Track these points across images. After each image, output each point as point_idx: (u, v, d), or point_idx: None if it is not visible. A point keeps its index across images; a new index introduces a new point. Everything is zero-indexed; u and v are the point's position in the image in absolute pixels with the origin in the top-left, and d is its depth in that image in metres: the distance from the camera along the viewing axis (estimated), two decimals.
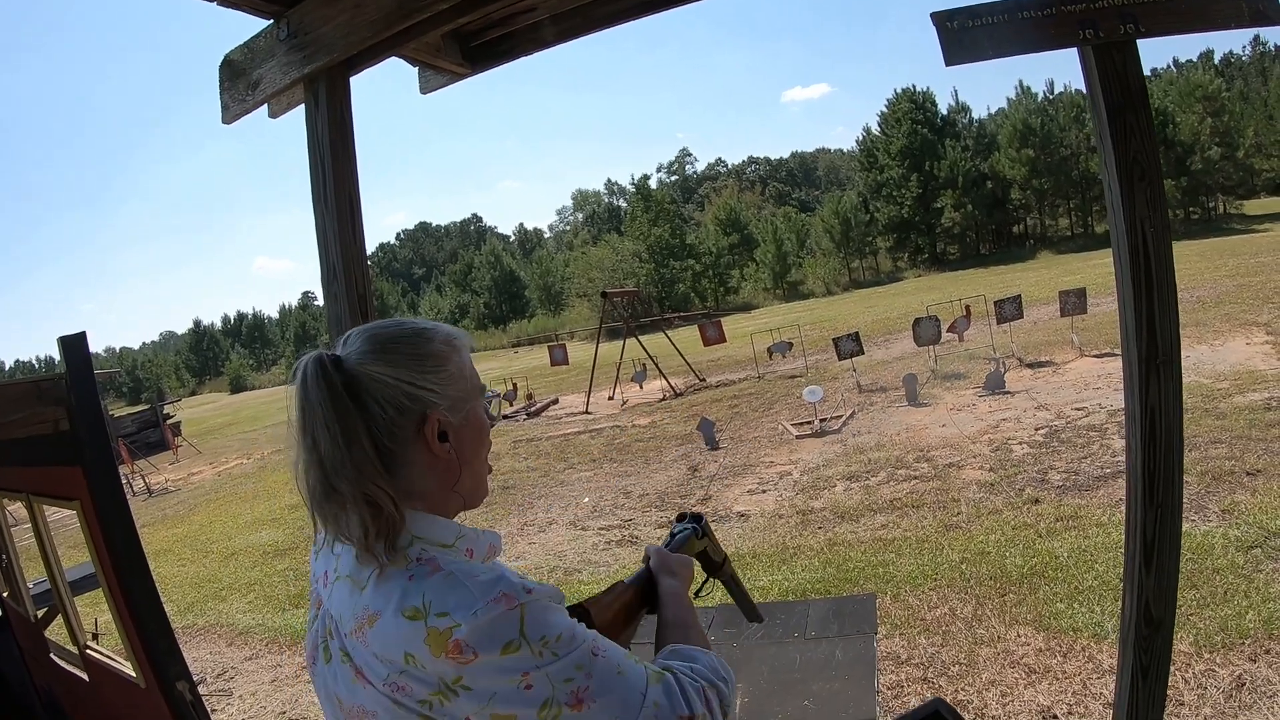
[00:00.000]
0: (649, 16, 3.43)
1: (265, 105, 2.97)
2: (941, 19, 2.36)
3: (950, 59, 2.36)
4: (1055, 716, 4.24)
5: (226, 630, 8.27)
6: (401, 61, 3.28)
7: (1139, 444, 2.40)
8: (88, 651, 3.68)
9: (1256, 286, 19.07)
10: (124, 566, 2.91)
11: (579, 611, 1.39)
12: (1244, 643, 4.59)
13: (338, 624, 1.31)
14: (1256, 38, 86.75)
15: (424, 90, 3.60)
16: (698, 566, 1.80)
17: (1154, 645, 2.47)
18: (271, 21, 2.77)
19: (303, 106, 2.82)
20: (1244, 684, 4.22)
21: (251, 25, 2.83)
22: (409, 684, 1.19)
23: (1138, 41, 2.36)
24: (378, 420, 1.29)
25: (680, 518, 1.87)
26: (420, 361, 1.34)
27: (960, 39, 2.36)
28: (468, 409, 1.40)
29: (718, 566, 1.91)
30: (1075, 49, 2.39)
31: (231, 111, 2.96)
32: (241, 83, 2.89)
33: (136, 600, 2.93)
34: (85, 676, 3.77)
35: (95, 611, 4.91)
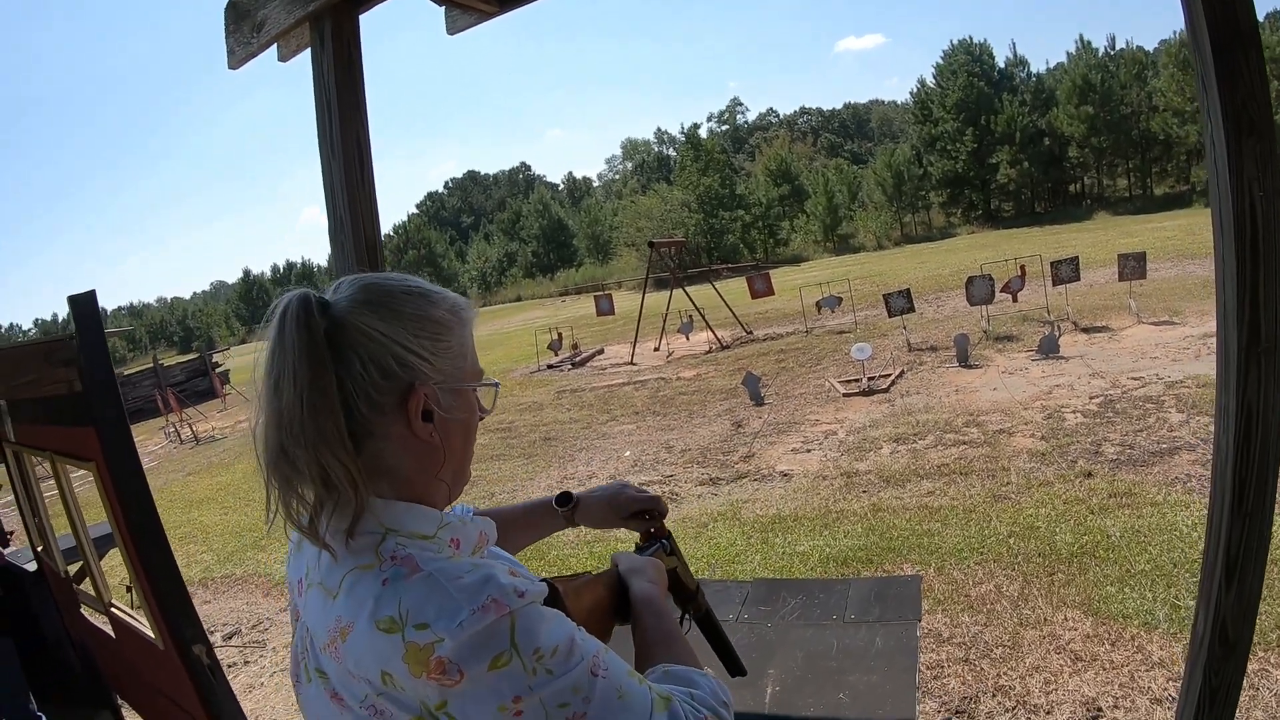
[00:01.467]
0: None
1: (275, 48, 2.78)
2: None
3: None
4: (1100, 710, 4.02)
5: (264, 580, 8.32)
6: (428, 1, 3.07)
7: (1231, 445, 2.09)
8: (112, 609, 3.67)
9: None
10: (138, 531, 2.81)
11: (548, 588, 1.19)
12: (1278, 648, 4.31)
13: (312, 638, 1.16)
14: None
15: (451, 31, 3.37)
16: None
17: (1227, 668, 2.21)
18: None
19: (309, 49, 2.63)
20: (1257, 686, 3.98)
21: None
22: (388, 707, 1.05)
23: None
24: (357, 379, 1.13)
25: (645, 537, 1.69)
26: (419, 324, 1.18)
27: None
28: (461, 391, 1.23)
29: (690, 596, 1.69)
30: None
31: (237, 56, 2.77)
32: (246, 25, 2.70)
33: (152, 565, 2.83)
34: (111, 633, 3.77)
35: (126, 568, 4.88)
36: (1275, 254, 2.03)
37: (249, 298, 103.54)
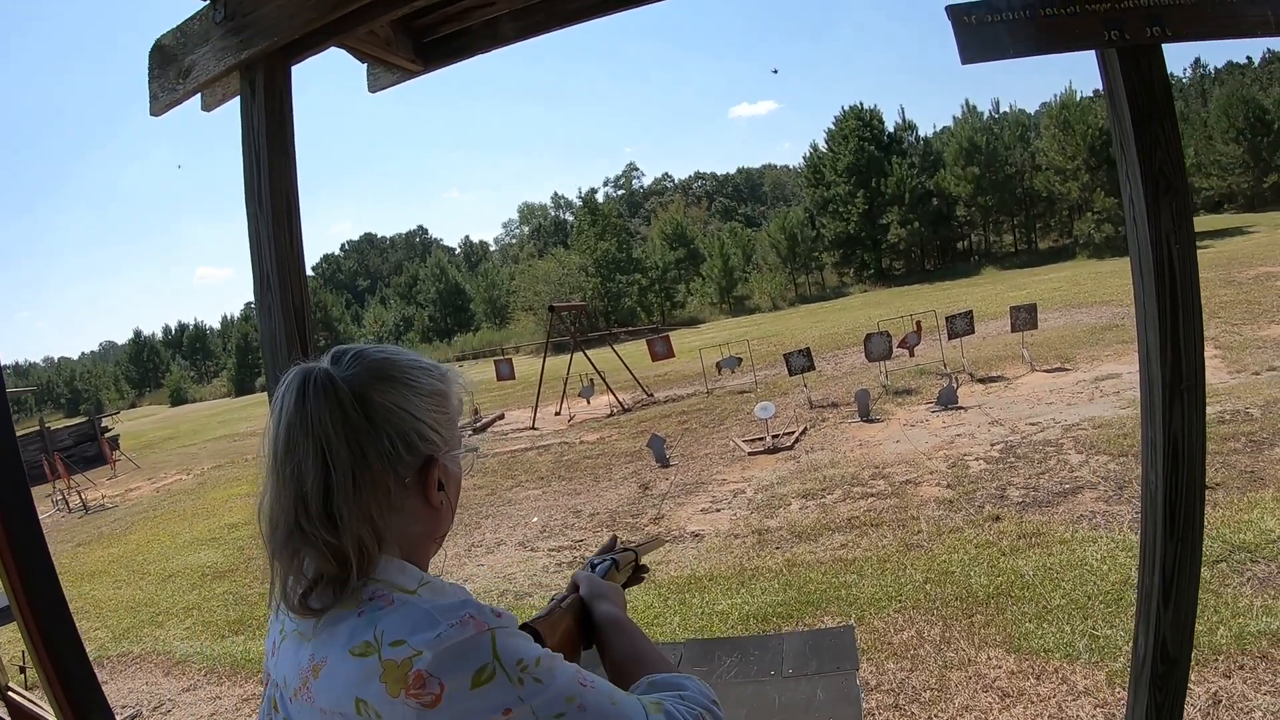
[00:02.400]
0: (613, 15, 3.24)
1: (199, 97, 2.70)
2: (958, 13, 2.19)
3: (966, 56, 2.19)
4: None
5: (163, 659, 7.89)
6: (348, 61, 3.05)
7: (1160, 475, 2.22)
8: (9, 693, 3.41)
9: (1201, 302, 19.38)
10: (40, 607, 2.64)
11: (529, 631, 1.20)
12: (1217, 659, 4.53)
13: (281, 690, 1.13)
14: (1197, 60, 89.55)
15: (373, 89, 3.35)
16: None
17: (1170, 683, 2.32)
18: (207, 3, 2.49)
19: (239, 98, 2.56)
20: (1220, 700, 4.16)
21: (187, 8, 2.56)
22: None
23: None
24: (384, 454, 1.12)
25: (603, 551, 1.72)
26: (432, 399, 1.20)
27: (979, 35, 2.19)
28: (455, 458, 1.26)
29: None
30: (1094, 52, 2.24)
31: (160, 102, 2.67)
32: (172, 70, 2.61)
33: (55, 644, 2.66)
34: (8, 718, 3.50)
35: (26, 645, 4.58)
36: (1192, 299, 2.20)
37: (139, 359, 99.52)
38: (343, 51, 2.95)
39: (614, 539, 1.77)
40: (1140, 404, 2.36)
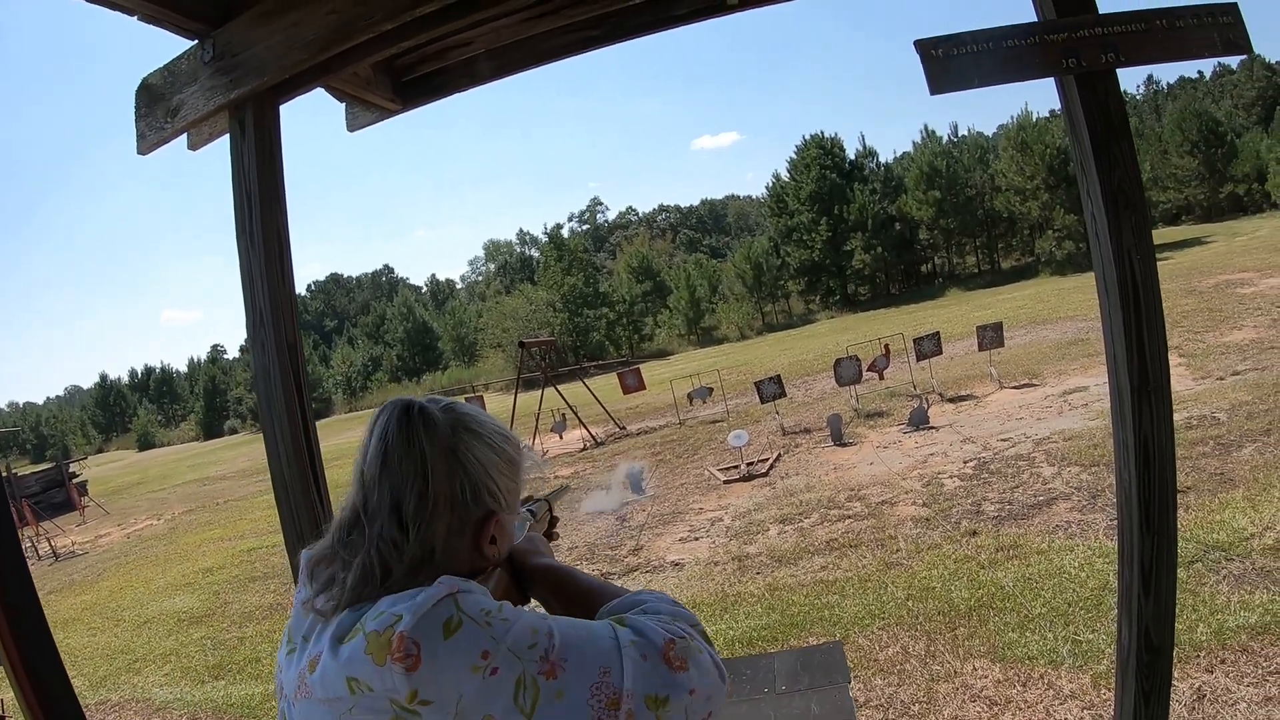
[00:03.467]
0: (586, 54, 3.33)
1: (185, 135, 2.74)
2: (926, 47, 2.31)
3: (935, 88, 2.31)
4: None
5: (143, 706, 7.78)
6: (317, 99, 3.09)
7: (1133, 473, 2.33)
8: None
9: (1164, 311, 19.71)
10: (29, 649, 2.61)
11: None
12: (1199, 655, 4.65)
13: (288, 698, 1.18)
14: (1150, 77, 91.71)
15: (351, 128, 3.40)
16: None
17: (1155, 670, 2.42)
18: (195, 42, 2.54)
19: (225, 137, 2.59)
20: (1204, 695, 4.28)
21: (174, 47, 2.60)
22: (362, 718, 1.07)
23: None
24: (454, 498, 1.22)
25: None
26: (508, 465, 1.31)
27: (946, 67, 2.31)
28: (511, 520, 1.37)
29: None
30: (1054, 78, 2.37)
31: (148, 141, 2.71)
32: (160, 109, 2.65)
33: (45, 687, 2.63)
34: None
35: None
36: (1153, 308, 2.33)
37: (105, 404, 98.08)
38: (318, 90, 3.00)
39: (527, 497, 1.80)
40: (1110, 409, 2.48)
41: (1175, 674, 4.37)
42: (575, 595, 1.36)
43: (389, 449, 1.20)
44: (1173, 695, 4.20)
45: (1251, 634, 4.73)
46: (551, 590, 1.40)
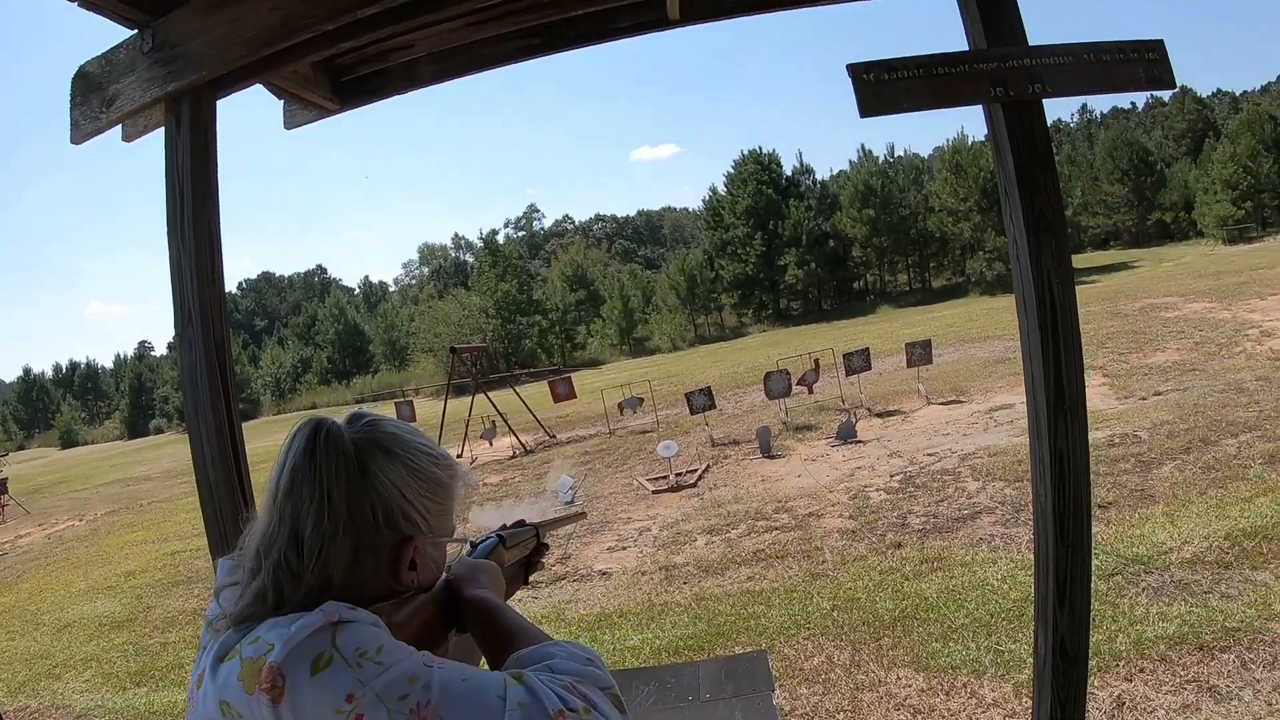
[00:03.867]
0: (527, 61, 3.34)
1: (120, 126, 2.68)
2: (858, 71, 2.37)
3: (865, 111, 2.37)
4: None
5: (63, 713, 7.54)
6: (256, 95, 3.05)
7: (1049, 487, 2.42)
8: None
9: (1090, 333, 20.23)
10: None
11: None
12: (1118, 664, 4.80)
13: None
14: (1084, 106, 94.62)
15: (289, 125, 3.37)
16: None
17: (1071, 678, 2.50)
18: (135, 32, 2.49)
19: (161, 130, 2.55)
20: (1124, 703, 4.41)
21: (113, 35, 2.54)
22: None
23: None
24: (364, 520, 1.16)
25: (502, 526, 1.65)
26: (430, 486, 1.23)
27: (876, 92, 2.38)
28: (440, 546, 1.30)
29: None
30: (982, 105, 2.44)
31: (82, 130, 2.65)
32: (95, 98, 2.59)
33: None
34: None
35: None
36: (1071, 329, 2.43)
37: (28, 399, 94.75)
38: (256, 86, 2.96)
39: (518, 521, 1.71)
40: (1028, 425, 2.57)
41: (1096, 683, 4.52)
42: (495, 635, 1.27)
43: (293, 472, 1.15)
44: (1093, 703, 4.34)
45: (1169, 644, 4.90)
46: (476, 626, 1.31)
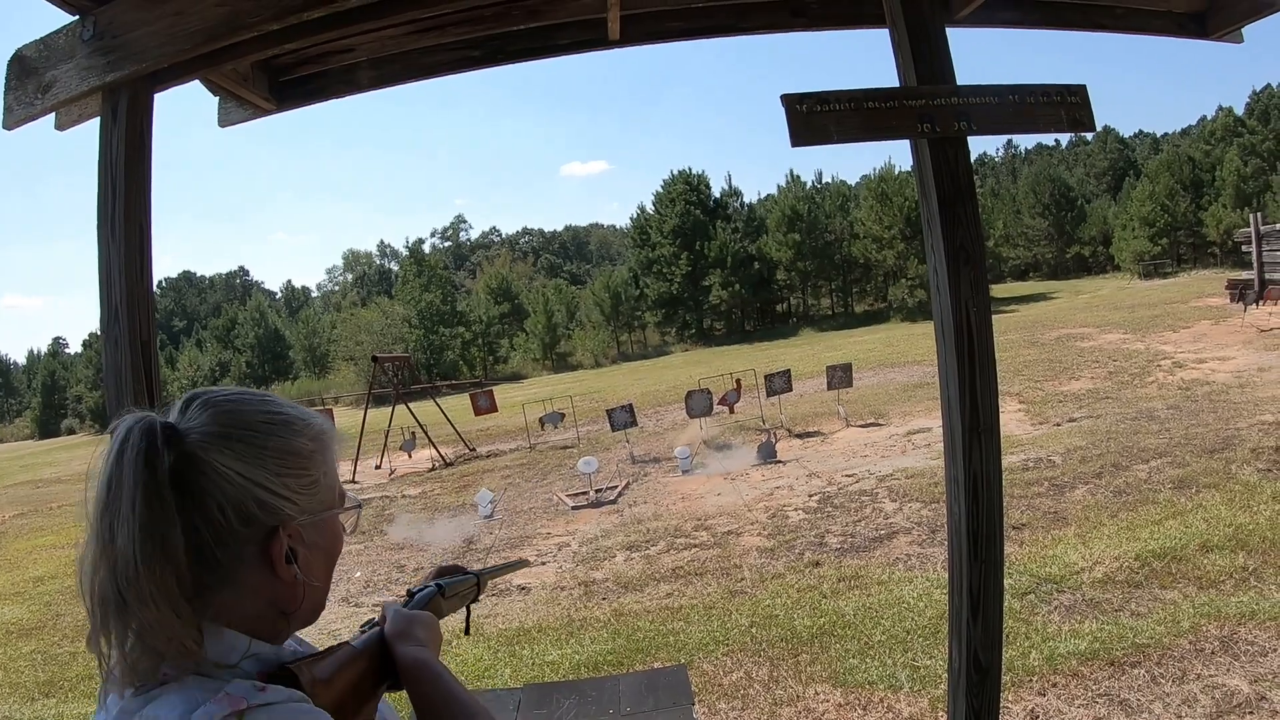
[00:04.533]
0: (466, 73, 3.35)
1: (55, 114, 2.62)
2: (791, 101, 2.44)
3: (796, 140, 2.45)
4: None
5: None
6: (194, 89, 3.00)
7: (963, 506, 2.51)
8: None
9: (1007, 360, 20.77)
10: None
11: (284, 676, 1.02)
12: (1031, 679, 4.93)
13: None
14: (1009, 141, 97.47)
15: (223, 123, 3.32)
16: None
17: (984, 689, 2.60)
18: (76, 18, 2.44)
19: (96, 120, 2.50)
20: (1037, 716, 4.54)
21: (53, 20, 2.48)
22: None
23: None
24: (212, 525, 0.99)
25: (437, 574, 1.50)
26: (283, 460, 1.05)
27: (808, 122, 2.46)
28: (326, 521, 1.12)
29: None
30: (909, 140, 2.53)
31: (15, 115, 2.56)
32: (31, 83, 2.51)
33: None
34: None
35: None
36: (986, 356, 2.54)
37: None
38: (194, 81, 2.92)
39: (454, 566, 1.58)
40: (944, 447, 2.67)
41: (1010, 697, 4.66)
42: (432, 705, 1.14)
43: (110, 491, 0.96)
44: (1008, 717, 4.46)
45: (1081, 660, 5.08)
46: (413, 691, 1.15)
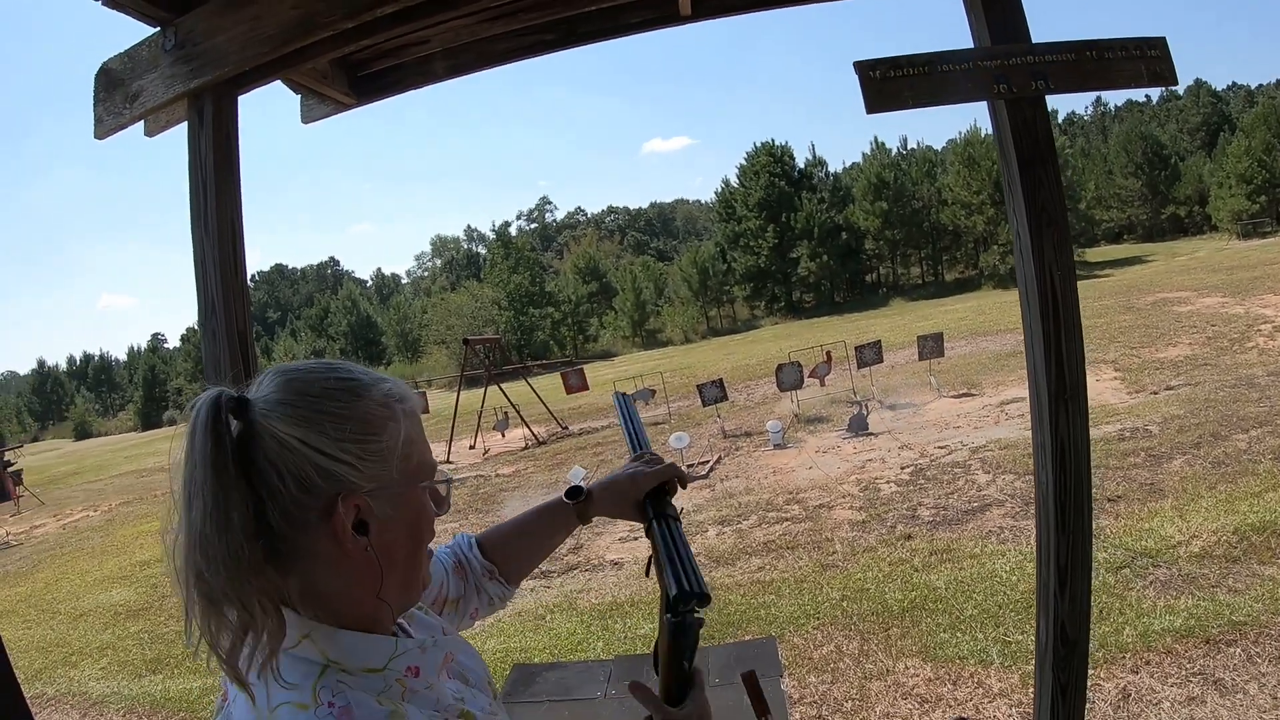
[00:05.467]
0: (539, 57, 3.38)
1: (143, 122, 2.75)
2: (864, 68, 2.41)
3: (871, 107, 2.41)
4: None
5: (79, 700, 7.63)
6: (277, 88, 3.11)
7: (1050, 475, 2.46)
8: None
9: (1103, 327, 20.20)
10: None
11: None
12: (1124, 656, 4.84)
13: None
14: (1098, 99, 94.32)
15: (306, 120, 3.43)
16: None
17: (1071, 664, 2.54)
18: (157, 29, 2.55)
19: (183, 125, 2.61)
20: (1129, 694, 4.45)
21: (134, 33, 2.61)
22: None
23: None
24: (275, 494, 0.98)
25: (679, 600, 1.18)
26: (341, 425, 1.01)
27: (882, 89, 2.42)
28: (404, 495, 1.07)
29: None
30: (986, 101, 2.48)
31: (106, 125, 2.70)
32: (119, 94, 2.64)
33: None
34: None
35: None
36: (1071, 319, 2.47)
37: (42, 391, 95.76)
38: (275, 82, 3.02)
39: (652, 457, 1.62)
40: (1030, 414, 2.61)
41: (1102, 674, 4.57)
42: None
43: (188, 471, 0.97)
44: (1099, 694, 4.39)
45: (1176, 637, 4.94)
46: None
